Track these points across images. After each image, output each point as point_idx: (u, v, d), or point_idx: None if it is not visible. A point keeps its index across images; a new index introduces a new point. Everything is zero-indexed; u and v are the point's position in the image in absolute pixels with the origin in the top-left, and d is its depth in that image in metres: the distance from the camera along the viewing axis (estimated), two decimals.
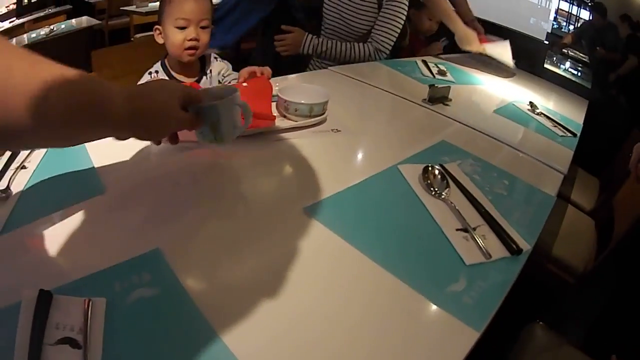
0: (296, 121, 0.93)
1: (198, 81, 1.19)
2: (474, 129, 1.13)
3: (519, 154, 1.04)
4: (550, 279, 1.24)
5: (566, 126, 1.31)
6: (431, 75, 1.57)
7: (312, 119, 0.93)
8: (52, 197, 0.66)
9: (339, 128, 0.95)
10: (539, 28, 2.53)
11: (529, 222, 0.75)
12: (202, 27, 1.09)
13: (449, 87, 1.29)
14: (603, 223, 1.44)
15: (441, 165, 0.84)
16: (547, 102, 1.62)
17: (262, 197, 0.73)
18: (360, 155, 0.90)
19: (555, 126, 1.30)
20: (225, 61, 1.24)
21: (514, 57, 1.89)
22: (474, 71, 1.83)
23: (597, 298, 1.28)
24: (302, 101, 0.93)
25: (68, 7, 3.83)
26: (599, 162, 1.88)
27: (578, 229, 1.42)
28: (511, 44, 1.89)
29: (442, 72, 1.61)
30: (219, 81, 1.22)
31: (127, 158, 0.78)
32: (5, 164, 0.77)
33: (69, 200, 0.64)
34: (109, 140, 0.79)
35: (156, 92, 0.56)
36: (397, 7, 1.57)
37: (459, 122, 1.15)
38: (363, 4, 1.59)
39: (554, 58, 2.50)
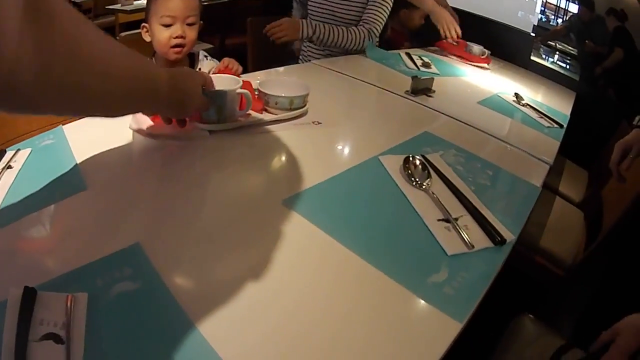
0: (277, 114, 0.92)
1: None
2: (458, 119, 1.12)
3: (503, 145, 1.03)
4: (538, 271, 1.23)
5: (552, 117, 1.30)
6: (415, 68, 1.56)
7: (293, 112, 0.92)
8: (36, 195, 0.66)
9: (320, 120, 0.94)
10: (526, 21, 2.53)
11: (514, 212, 0.74)
12: (189, 24, 1.07)
13: (432, 78, 1.28)
14: (591, 215, 1.44)
15: (423, 156, 0.83)
16: (533, 94, 1.62)
17: (242, 190, 0.72)
18: (341, 147, 0.89)
19: (541, 117, 1.30)
20: (215, 59, 1.22)
21: (500, 49, 1.90)
22: (458, 63, 1.82)
23: (585, 290, 1.27)
24: (282, 94, 0.91)
25: None
26: (588, 154, 1.88)
27: (567, 221, 1.42)
28: (498, 37, 1.90)
29: (426, 65, 1.60)
30: None
31: (109, 155, 0.77)
32: None
33: (52, 198, 0.64)
34: (92, 136, 0.81)
35: (187, 78, 0.71)
36: None
37: (443, 113, 1.14)
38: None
39: (541, 50, 2.50)
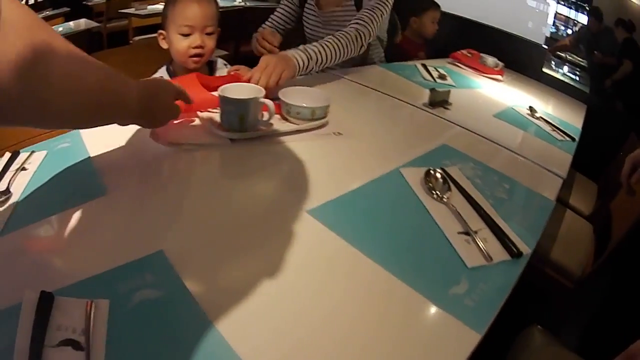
0: (298, 124, 0.94)
1: None
2: (475, 132, 1.13)
3: (518, 158, 1.04)
4: (548, 283, 1.25)
5: (565, 130, 1.32)
6: (432, 79, 1.58)
7: (314, 122, 0.94)
8: (52, 198, 0.66)
9: (340, 131, 0.95)
10: (538, 32, 2.54)
11: (529, 225, 0.76)
12: (208, 34, 1.07)
13: (449, 90, 1.30)
14: (600, 228, 1.45)
15: (442, 169, 0.84)
16: (546, 107, 1.64)
17: (265, 199, 0.73)
18: (362, 158, 0.90)
19: (554, 130, 1.31)
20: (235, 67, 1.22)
21: (513, 61, 1.91)
22: (472, 75, 1.84)
23: (594, 302, 1.28)
24: (304, 104, 0.93)
25: (66, 9, 3.80)
26: (597, 166, 1.88)
27: (576, 233, 1.43)
28: (510, 48, 1.91)
29: (442, 76, 1.62)
30: None
31: (128, 160, 0.79)
32: (5, 165, 0.77)
33: (70, 202, 0.64)
34: (110, 141, 0.81)
35: (160, 90, 0.72)
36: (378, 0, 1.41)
37: (460, 125, 1.16)
38: (345, 13, 1.49)
39: (553, 62, 2.51)
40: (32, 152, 0.80)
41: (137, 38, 3.78)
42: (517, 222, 0.74)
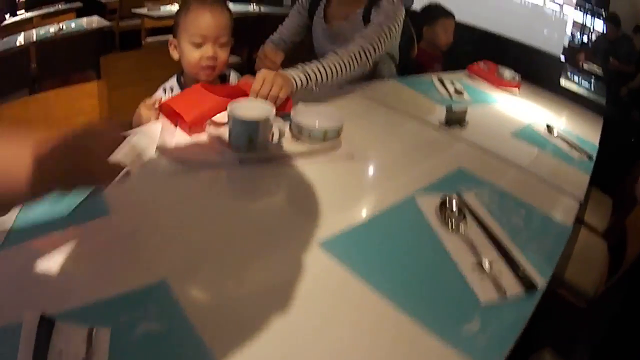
0: (309, 146, 0.92)
1: None
2: (490, 153, 1.11)
3: (534, 180, 1.03)
4: (560, 303, 1.23)
5: (582, 148, 1.30)
6: (448, 95, 1.55)
7: (326, 144, 0.92)
8: (52, 215, 0.64)
9: (353, 153, 0.94)
10: (554, 43, 2.51)
11: (545, 254, 0.75)
12: (221, 44, 1.04)
13: (466, 109, 1.27)
14: (615, 245, 1.42)
15: (458, 195, 0.83)
16: (563, 122, 1.61)
17: (274, 226, 0.72)
18: (376, 183, 0.88)
19: (572, 149, 1.29)
20: (249, 76, 1.17)
21: (528, 73, 1.87)
22: (488, 88, 1.81)
23: (605, 323, 1.26)
24: (316, 124, 0.92)
25: (78, 4, 3.80)
26: (612, 179, 1.85)
27: (589, 251, 1.40)
28: (527, 60, 1.88)
29: (458, 92, 1.59)
30: None
31: (133, 179, 0.74)
32: None
33: (71, 220, 0.63)
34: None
35: (76, 150, 0.47)
36: (386, 14, 1.35)
37: (476, 146, 1.14)
38: (353, 27, 1.44)
39: (569, 73, 2.47)
40: None
41: (150, 39, 3.77)
42: (533, 251, 0.73)
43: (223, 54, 1.06)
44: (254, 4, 4.31)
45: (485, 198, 0.87)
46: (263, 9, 4.15)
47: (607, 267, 1.36)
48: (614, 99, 2.34)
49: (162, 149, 0.84)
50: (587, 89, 2.44)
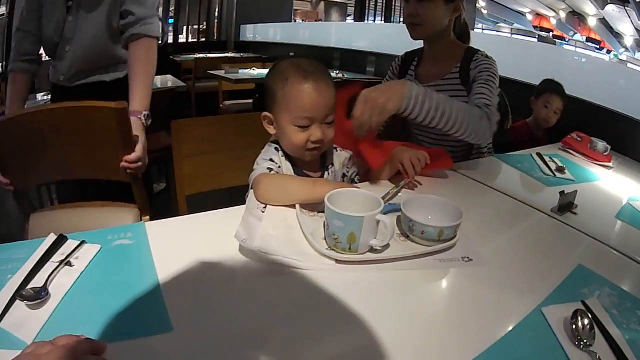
0: (421, 245, 0.80)
1: (321, 176, 1.03)
2: (603, 243, 0.95)
3: None
4: None
5: None
6: (551, 173, 1.40)
7: (441, 245, 0.79)
8: (101, 318, 0.55)
9: (470, 256, 0.80)
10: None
11: None
12: (328, 123, 0.94)
13: (576, 191, 1.12)
14: None
15: (584, 304, 0.68)
16: None
17: (373, 346, 0.58)
18: (498, 296, 0.72)
19: None
20: (347, 150, 1.11)
21: (617, 143, 1.72)
22: (582, 162, 1.65)
23: None
24: (430, 221, 0.80)
25: None
26: None
27: None
28: (614, 127, 1.72)
29: (560, 169, 1.44)
30: (343, 174, 1.09)
31: (205, 277, 0.67)
32: (47, 252, 0.64)
33: (125, 331, 0.54)
34: (183, 247, 0.72)
35: None
36: (489, 70, 1.31)
37: (589, 235, 0.98)
38: (449, 86, 1.40)
39: None
40: (83, 242, 0.69)
41: (227, 103, 3.82)
42: None
43: (331, 132, 0.95)
44: (337, 70, 4.35)
45: (605, 300, 0.72)
46: (347, 75, 4.15)
47: None
48: None
49: (244, 234, 0.75)
50: None
